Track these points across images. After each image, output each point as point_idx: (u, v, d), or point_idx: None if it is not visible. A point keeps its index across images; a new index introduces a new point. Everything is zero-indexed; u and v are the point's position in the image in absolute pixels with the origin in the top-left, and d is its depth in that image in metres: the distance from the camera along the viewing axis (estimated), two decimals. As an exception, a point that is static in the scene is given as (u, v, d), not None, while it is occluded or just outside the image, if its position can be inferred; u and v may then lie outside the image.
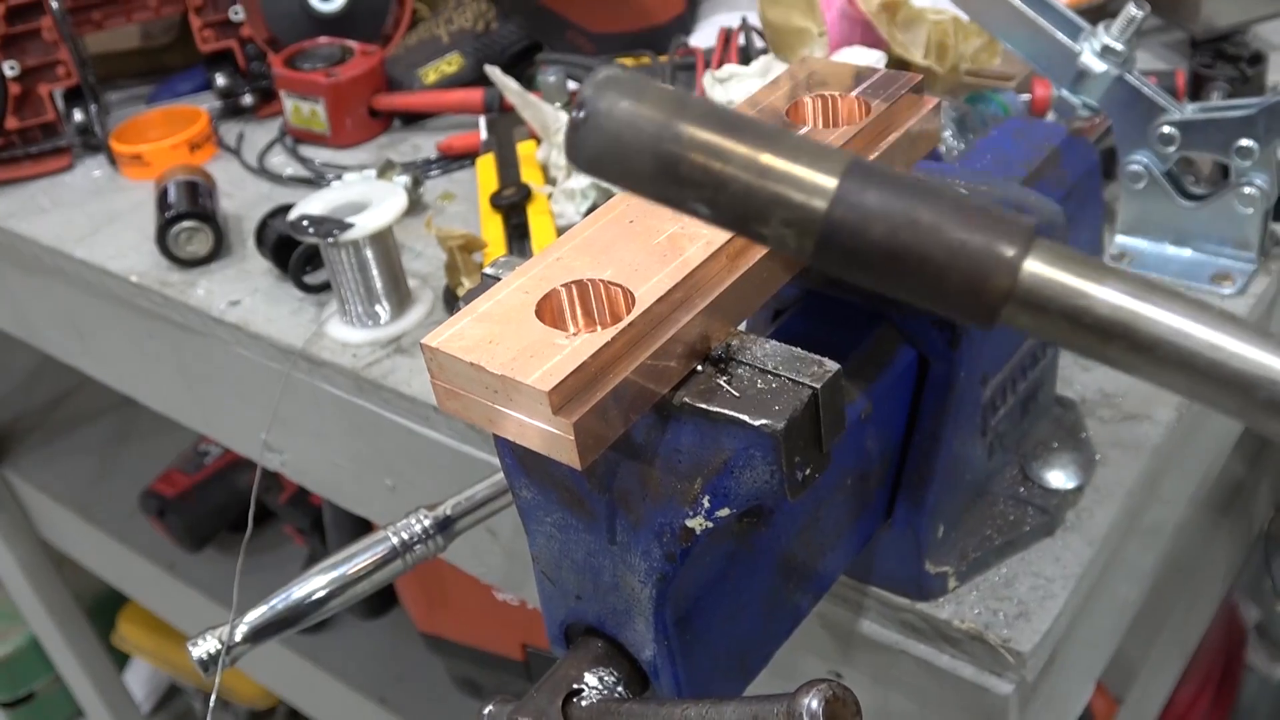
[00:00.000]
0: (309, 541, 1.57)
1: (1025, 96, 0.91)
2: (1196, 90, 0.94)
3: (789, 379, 0.43)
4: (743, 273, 0.45)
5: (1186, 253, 0.80)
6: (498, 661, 1.36)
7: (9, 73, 1.11)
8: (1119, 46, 0.76)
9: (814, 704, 0.37)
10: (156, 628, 1.93)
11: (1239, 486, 1.38)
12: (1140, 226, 0.81)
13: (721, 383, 0.43)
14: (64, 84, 1.14)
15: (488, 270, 0.50)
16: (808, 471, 0.43)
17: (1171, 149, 0.77)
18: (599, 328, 0.44)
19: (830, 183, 0.31)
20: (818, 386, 0.42)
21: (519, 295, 0.44)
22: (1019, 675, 0.59)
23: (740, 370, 0.44)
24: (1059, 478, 0.65)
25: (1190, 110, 0.77)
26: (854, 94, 0.52)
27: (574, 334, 0.42)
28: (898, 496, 0.59)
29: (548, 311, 0.43)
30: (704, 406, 0.43)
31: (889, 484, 0.59)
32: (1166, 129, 0.77)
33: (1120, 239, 0.81)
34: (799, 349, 0.44)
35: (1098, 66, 0.77)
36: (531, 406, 0.40)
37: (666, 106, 0.31)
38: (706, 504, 0.44)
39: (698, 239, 0.45)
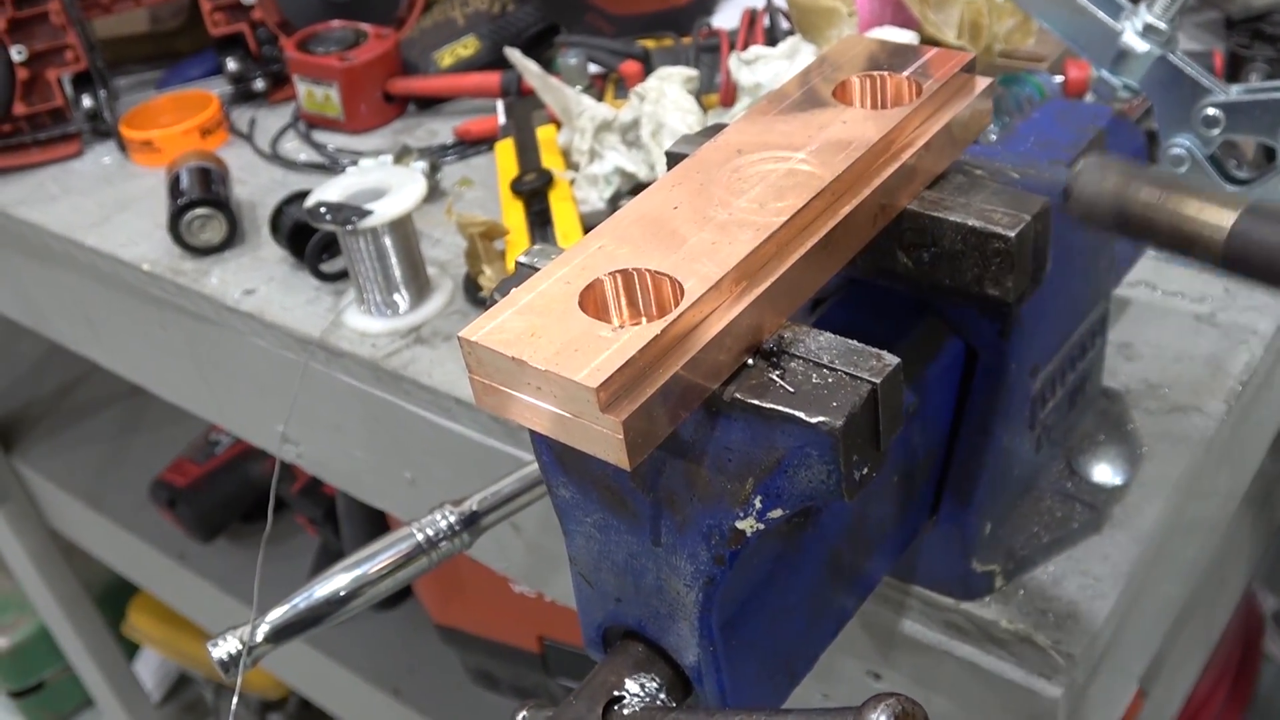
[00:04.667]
0: (322, 532, 1.56)
1: (1059, 78, 0.89)
2: (1234, 71, 0.91)
3: (846, 373, 0.41)
4: (794, 261, 0.43)
5: (1230, 239, 0.77)
6: (514, 654, 1.35)
7: (17, 57, 1.09)
8: (1162, 25, 0.74)
9: (883, 719, 0.35)
10: (167, 618, 1.91)
11: (1268, 478, 1.36)
12: (1182, 212, 0.78)
13: (774, 377, 0.41)
14: (72, 69, 1.12)
15: (522, 259, 0.48)
16: (865, 470, 0.41)
17: (1215, 132, 0.75)
18: (644, 320, 0.42)
19: (1227, 222, 0.44)
20: (877, 381, 0.40)
21: (560, 286, 0.42)
22: (1069, 678, 0.57)
23: (793, 364, 0.42)
24: (1105, 472, 0.63)
25: (1235, 92, 0.74)
26: (904, 74, 0.50)
27: (619, 327, 0.40)
28: (944, 493, 0.57)
29: (591, 303, 0.41)
30: (756, 403, 0.41)
31: (934, 480, 0.57)
32: (1211, 111, 0.74)
33: (1161, 225, 0.79)
34: (855, 341, 0.42)
35: (1140, 46, 0.74)
36: (577, 404, 0.38)
37: (1123, 176, 0.46)
38: (758, 505, 0.42)
39: (746, 226, 0.43)
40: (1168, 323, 0.73)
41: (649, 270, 0.42)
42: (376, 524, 1.39)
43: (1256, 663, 1.65)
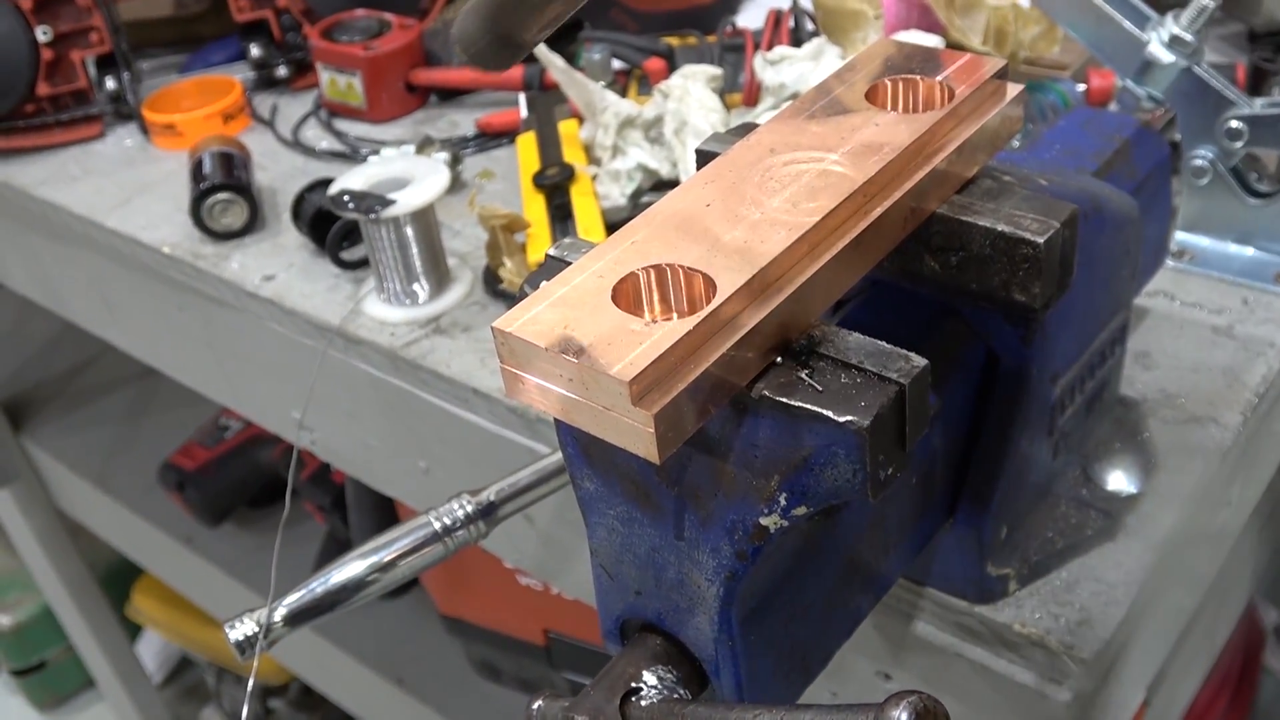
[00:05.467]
0: (329, 519, 1.56)
1: (1082, 86, 0.89)
2: (1256, 84, 0.91)
3: (874, 374, 0.41)
4: (825, 262, 0.43)
5: (1249, 251, 0.77)
6: (519, 646, 1.35)
7: (42, 38, 1.09)
8: (1188, 37, 0.74)
9: (904, 717, 0.35)
10: (171, 600, 1.92)
11: (1277, 491, 1.36)
12: (1202, 223, 0.79)
13: (803, 376, 0.42)
14: (96, 51, 1.12)
15: (552, 252, 0.48)
16: (890, 471, 0.42)
17: (1238, 144, 0.75)
18: (676, 315, 0.42)
19: None
20: (905, 383, 0.41)
21: (594, 279, 0.42)
22: (1080, 683, 0.58)
23: (822, 364, 0.42)
24: (1120, 480, 0.64)
25: (1259, 105, 0.75)
26: (936, 79, 0.50)
27: (651, 321, 0.40)
28: (961, 496, 0.57)
29: (623, 297, 0.42)
30: (785, 401, 0.41)
31: (952, 482, 0.57)
32: (1234, 124, 0.75)
33: (1180, 235, 0.79)
34: (884, 343, 0.42)
35: (1165, 57, 0.75)
36: (609, 397, 0.38)
37: None
38: (783, 502, 0.42)
39: (779, 225, 0.43)
40: (1186, 333, 0.73)
41: (682, 266, 0.42)
42: (385, 512, 1.39)
43: (1256, 675, 1.65)
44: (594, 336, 0.39)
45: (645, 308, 0.43)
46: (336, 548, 1.53)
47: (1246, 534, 1.36)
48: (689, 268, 0.42)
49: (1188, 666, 1.31)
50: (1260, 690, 1.66)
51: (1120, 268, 0.59)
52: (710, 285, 0.41)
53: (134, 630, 2.15)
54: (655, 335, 0.39)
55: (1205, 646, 1.36)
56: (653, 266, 0.42)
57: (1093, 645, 0.57)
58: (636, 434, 0.39)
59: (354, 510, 1.44)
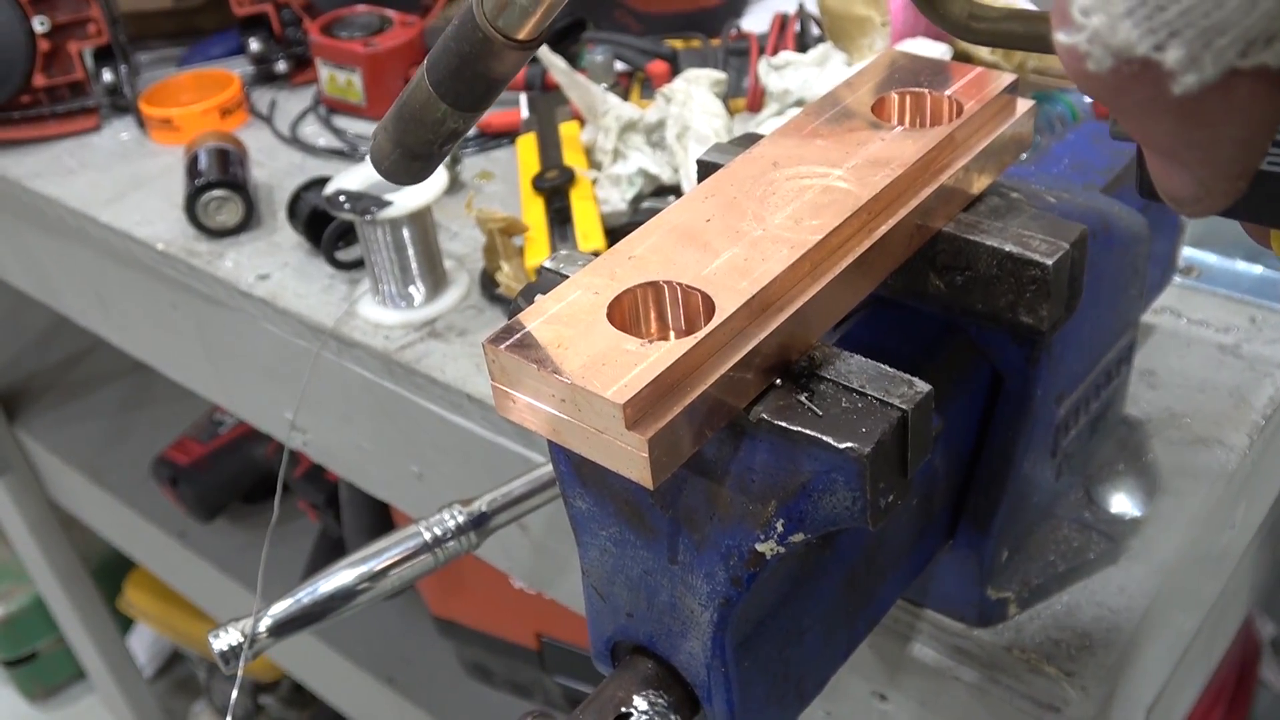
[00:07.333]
0: (323, 517, 1.55)
1: (1090, 98, 0.88)
2: (1267, 98, 0.90)
3: (876, 399, 0.40)
4: (827, 282, 0.42)
5: (1258, 269, 0.76)
6: (511, 649, 1.34)
7: (39, 28, 1.08)
8: (1200, 51, 0.73)
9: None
10: (163, 594, 1.91)
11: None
12: (1210, 239, 0.77)
13: (802, 399, 0.40)
14: (94, 42, 1.11)
15: (548, 264, 0.47)
16: (891, 498, 0.40)
17: (1249, 160, 0.74)
18: (673, 335, 0.41)
19: None
20: (908, 409, 0.39)
21: (589, 296, 0.41)
22: (1079, 709, 0.56)
23: (823, 387, 0.41)
24: (1123, 503, 0.63)
25: (1271, 121, 0.73)
26: (945, 93, 0.49)
27: (647, 341, 0.39)
28: (962, 517, 0.56)
29: (619, 314, 0.40)
30: (783, 425, 0.40)
31: (952, 504, 0.56)
32: (1245, 139, 0.73)
33: (1188, 251, 0.78)
34: (886, 366, 0.41)
35: (1176, 71, 0.73)
36: (603, 419, 0.37)
37: None
38: (779, 528, 0.41)
39: (780, 243, 0.42)
40: (1192, 352, 0.72)
41: (680, 284, 0.41)
42: (379, 513, 1.38)
43: (1252, 688, 1.64)
44: (588, 356, 0.38)
45: (642, 326, 0.41)
46: (329, 546, 1.52)
47: (1247, 550, 1.35)
48: (687, 286, 0.41)
49: (1185, 682, 1.30)
50: (1256, 703, 1.65)
51: (1129, 287, 0.58)
52: (709, 304, 0.40)
53: (126, 623, 2.14)
54: (651, 356, 0.38)
55: (1203, 661, 1.35)
56: (650, 284, 0.41)
57: (1094, 672, 0.56)
58: (630, 458, 0.37)
59: (347, 509, 1.43)
